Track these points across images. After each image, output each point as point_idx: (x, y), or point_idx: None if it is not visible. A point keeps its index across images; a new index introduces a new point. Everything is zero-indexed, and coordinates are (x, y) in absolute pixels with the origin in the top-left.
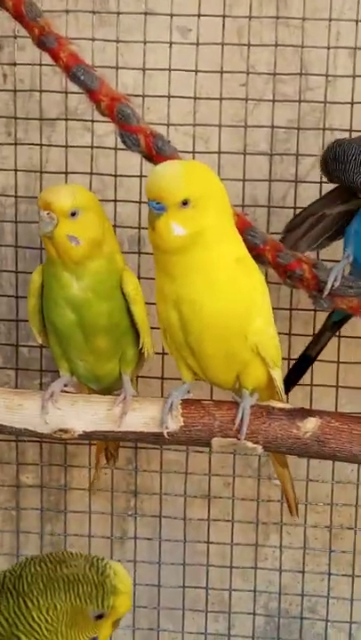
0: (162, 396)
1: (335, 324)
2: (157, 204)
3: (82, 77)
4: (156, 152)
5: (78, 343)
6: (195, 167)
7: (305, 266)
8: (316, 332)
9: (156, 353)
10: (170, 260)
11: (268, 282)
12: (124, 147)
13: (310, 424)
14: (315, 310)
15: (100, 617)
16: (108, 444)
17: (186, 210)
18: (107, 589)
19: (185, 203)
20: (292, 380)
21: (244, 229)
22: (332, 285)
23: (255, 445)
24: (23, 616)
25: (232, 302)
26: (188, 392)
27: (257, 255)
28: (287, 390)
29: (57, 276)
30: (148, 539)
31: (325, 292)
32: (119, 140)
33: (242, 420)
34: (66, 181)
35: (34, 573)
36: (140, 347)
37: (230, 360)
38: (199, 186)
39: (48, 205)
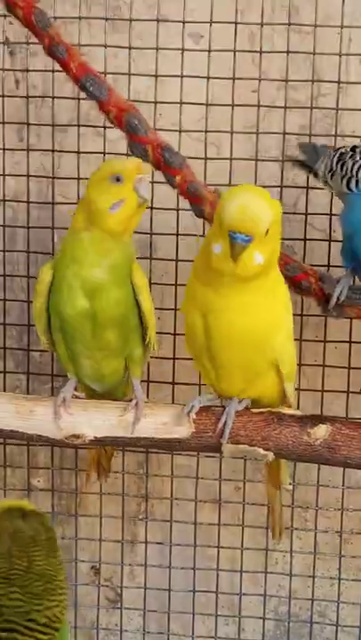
0: (173, 402)
1: None
2: (246, 236)
3: (90, 88)
4: (163, 163)
5: (86, 337)
6: (265, 195)
7: (311, 279)
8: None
9: (167, 358)
10: (232, 282)
11: None
12: (133, 156)
13: (321, 431)
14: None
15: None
16: (101, 457)
17: (265, 238)
18: None
19: (267, 232)
20: None
21: None
22: (338, 299)
23: (266, 452)
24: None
25: (260, 317)
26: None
27: None
28: None
29: (80, 258)
30: (159, 543)
31: (331, 305)
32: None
33: (225, 423)
34: (78, 187)
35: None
36: (147, 342)
37: (247, 370)
38: (274, 214)
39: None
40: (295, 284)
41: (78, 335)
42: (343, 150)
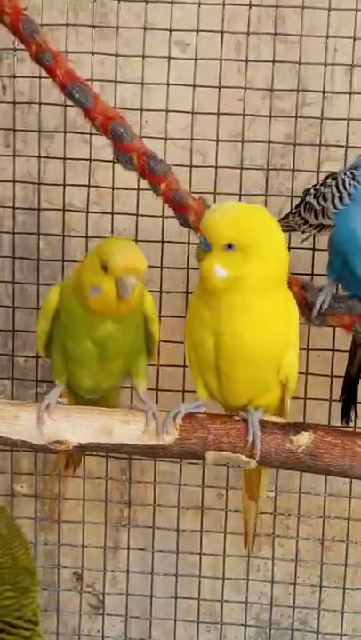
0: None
1: None
2: (205, 240)
3: (77, 95)
4: (148, 172)
5: (92, 367)
6: (250, 213)
7: (294, 287)
8: (309, 346)
9: (151, 365)
10: (212, 297)
11: None
12: (119, 163)
13: (304, 438)
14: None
15: None
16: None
17: (230, 253)
18: None
19: (230, 246)
20: (348, 405)
21: None
22: (321, 307)
23: (249, 459)
24: None
25: (270, 337)
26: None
27: None
28: (348, 414)
29: (89, 321)
30: (141, 549)
31: (314, 314)
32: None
33: (253, 435)
34: (64, 194)
35: None
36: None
37: (257, 386)
38: (249, 232)
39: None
40: None
41: (85, 365)
42: (314, 189)
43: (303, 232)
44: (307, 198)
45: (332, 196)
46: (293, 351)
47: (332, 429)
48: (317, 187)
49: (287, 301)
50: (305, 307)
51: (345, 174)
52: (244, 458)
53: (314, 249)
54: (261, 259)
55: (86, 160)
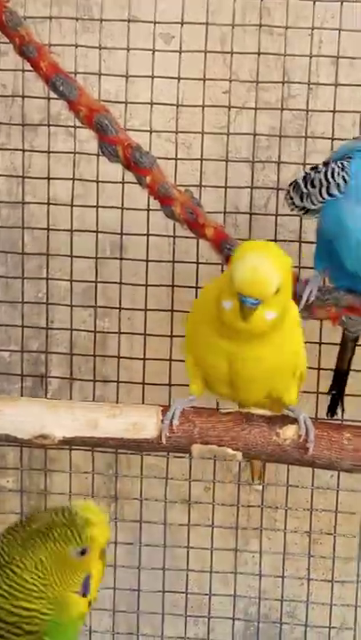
0: (143, 402)
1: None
2: (255, 299)
3: (61, 88)
4: (134, 164)
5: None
6: (276, 254)
7: None
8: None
9: (138, 359)
10: (237, 332)
11: None
12: (104, 156)
13: (290, 431)
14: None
15: (83, 553)
16: None
17: (276, 296)
18: (78, 524)
19: (277, 291)
20: (336, 399)
21: (221, 241)
22: (308, 299)
23: (235, 452)
24: (16, 583)
25: (290, 352)
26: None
27: None
28: (335, 408)
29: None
30: (129, 543)
31: (301, 306)
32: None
33: (308, 429)
34: (48, 187)
35: (7, 542)
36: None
37: (274, 390)
38: (283, 272)
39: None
40: None
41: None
42: (306, 172)
43: (292, 210)
44: (298, 179)
45: (320, 183)
46: (303, 348)
47: (319, 422)
48: (309, 171)
49: (298, 318)
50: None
51: (335, 163)
52: (230, 450)
53: (300, 241)
54: (287, 288)
55: (71, 153)
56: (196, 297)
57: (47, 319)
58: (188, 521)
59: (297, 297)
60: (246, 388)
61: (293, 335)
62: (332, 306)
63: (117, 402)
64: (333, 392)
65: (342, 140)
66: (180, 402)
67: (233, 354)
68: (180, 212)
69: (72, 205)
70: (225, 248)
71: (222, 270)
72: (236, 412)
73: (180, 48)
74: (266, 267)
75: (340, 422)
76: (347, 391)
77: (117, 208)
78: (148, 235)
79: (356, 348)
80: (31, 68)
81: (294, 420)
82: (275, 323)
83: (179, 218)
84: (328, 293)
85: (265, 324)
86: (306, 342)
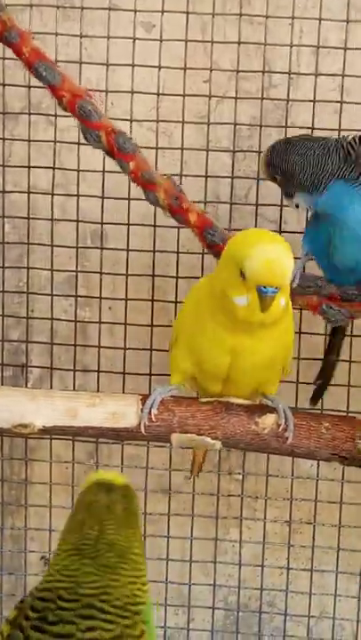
0: (123, 391)
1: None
2: (276, 288)
3: (44, 73)
4: (117, 149)
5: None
6: (280, 239)
7: None
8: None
9: (119, 348)
10: (250, 325)
11: None
12: (86, 142)
13: (269, 420)
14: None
15: None
16: None
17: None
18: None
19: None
20: (322, 388)
21: (204, 227)
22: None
23: (214, 441)
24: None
25: (285, 342)
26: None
27: (217, 253)
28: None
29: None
30: None
31: None
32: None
33: (287, 419)
34: (29, 176)
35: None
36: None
37: (265, 381)
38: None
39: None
40: None
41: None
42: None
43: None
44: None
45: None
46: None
47: (298, 411)
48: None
49: (290, 309)
50: None
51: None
52: (210, 440)
53: (281, 231)
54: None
55: (51, 142)
56: (177, 287)
57: (27, 308)
58: (169, 510)
59: None
60: (241, 382)
61: (289, 327)
62: (314, 294)
63: (98, 391)
64: (320, 381)
65: (323, 130)
66: (159, 391)
67: (237, 348)
68: (164, 197)
69: (53, 194)
70: (208, 234)
71: (203, 260)
72: (215, 401)
73: (161, 37)
74: (281, 254)
75: (319, 412)
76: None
77: (98, 197)
78: (128, 224)
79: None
80: (12, 57)
81: (273, 410)
82: (283, 310)
83: (163, 204)
84: (310, 281)
85: (279, 311)
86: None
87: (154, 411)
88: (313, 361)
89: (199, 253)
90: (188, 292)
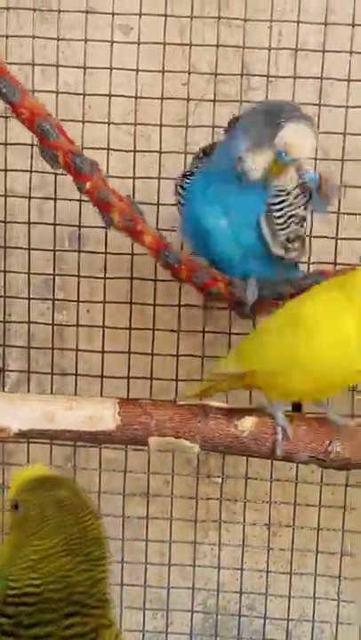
0: (101, 395)
1: None
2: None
3: (3, 90)
4: (74, 169)
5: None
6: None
7: (220, 284)
8: None
9: (96, 351)
10: None
11: None
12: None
13: (248, 423)
14: None
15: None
16: None
17: None
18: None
19: None
20: None
21: (159, 249)
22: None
23: (192, 444)
24: None
25: None
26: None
27: (174, 274)
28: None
29: None
30: None
31: (247, 309)
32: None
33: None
34: (5, 179)
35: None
36: None
37: None
38: None
39: None
40: (205, 290)
41: None
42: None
43: None
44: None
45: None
46: None
47: None
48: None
49: None
50: (233, 302)
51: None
52: (188, 443)
53: None
54: None
55: (28, 145)
56: (155, 290)
57: (4, 312)
58: (147, 514)
59: (238, 300)
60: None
61: None
62: (274, 299)
63: (76, 395)
64: None
65: None
66: (281, 415)
67: None
68: (118, 219)
69: (30, 197)
70: (163, 256)
71: None
72: (192, 403)
73: (139, 40)
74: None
75: (299, 414)
76: None
77: (76, 200)
78: (106, 227)
79: None
80: None
81: (252, 412)
82: None
83: (117, 225)
84: (265, 289)
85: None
86: None
87: (289, 432)
88: None
89: None
90: None
